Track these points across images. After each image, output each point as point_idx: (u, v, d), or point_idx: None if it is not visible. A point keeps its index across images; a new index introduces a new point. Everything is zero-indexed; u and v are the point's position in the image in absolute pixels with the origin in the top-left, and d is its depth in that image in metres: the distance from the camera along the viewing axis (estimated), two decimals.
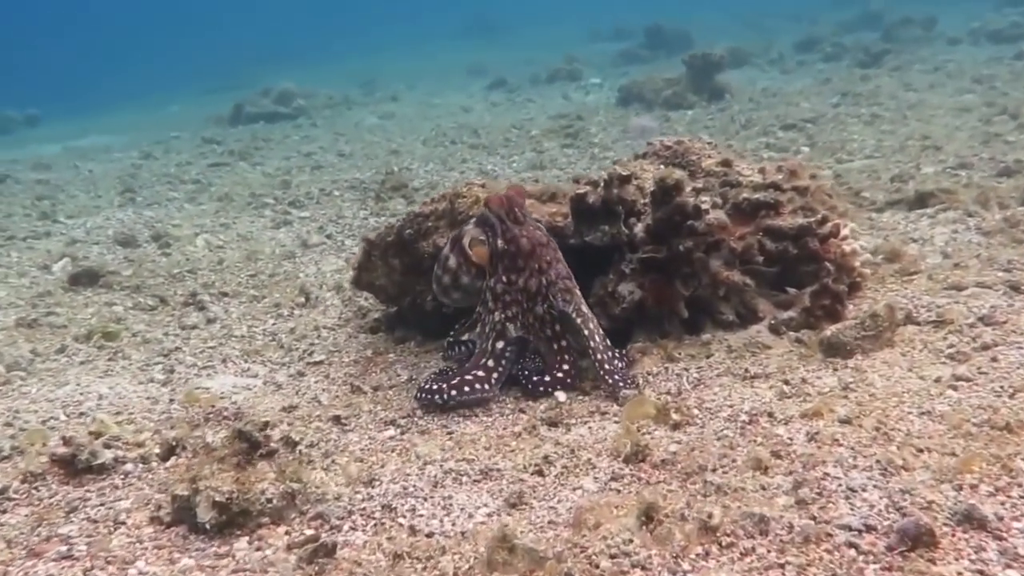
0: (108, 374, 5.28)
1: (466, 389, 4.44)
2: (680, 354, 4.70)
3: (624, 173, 4.87)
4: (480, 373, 4.54)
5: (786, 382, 4.22)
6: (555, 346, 4.64)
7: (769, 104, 14.10)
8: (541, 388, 4.52)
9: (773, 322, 4.80)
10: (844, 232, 5.01)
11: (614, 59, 23.43)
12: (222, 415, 4.36)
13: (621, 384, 4.40)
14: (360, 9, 53.82)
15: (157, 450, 3.99)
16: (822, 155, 10.00)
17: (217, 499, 3.34)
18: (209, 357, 5.55)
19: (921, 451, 3.41)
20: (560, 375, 4.55)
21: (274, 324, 6.20)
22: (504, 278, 4.65)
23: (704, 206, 4.65)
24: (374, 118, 17.88)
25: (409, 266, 5.30)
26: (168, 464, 3.94)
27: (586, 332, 4.52)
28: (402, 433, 4.21)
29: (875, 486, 3.19)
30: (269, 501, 3.41)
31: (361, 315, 6.07)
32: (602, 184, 4.89)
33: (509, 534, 3.04)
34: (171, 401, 4.79)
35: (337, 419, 4.34)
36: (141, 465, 3.94)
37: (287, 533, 3.36)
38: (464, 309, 4.99)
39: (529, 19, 38.71)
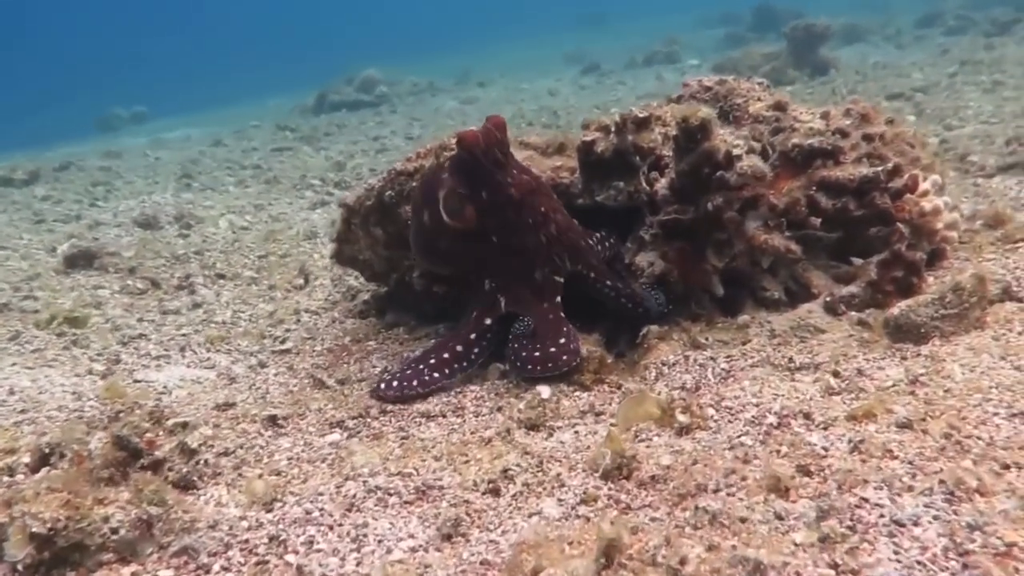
0: (47, 364, 4.56)
1: (425, 379, 3.59)
2: (708, 339, 3.73)
3: (641, 115, 3.91)
4: (446, 355, 3.70)
5: (836, 374, 3.23)
6: (551, 318, 3.73)
7: (877, 77, 12.80)
8: (530, 367, 3.61)
9: (830, 299, 3.78)
10: (924, 186, 3.95)
11: (718, 42, 22.10)
12: (135, 414, 3.55)
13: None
14: (475, 9, 53.36)
15: (27, 459, 3.18)
16: (929, 122, 8.77)
17: (36, 530, 2.48)
18: (171, 346, 4.80)
19: (1006, 468, 2.41)
20: (554, 350, 3.61)
21: (262, 309, 5.43)
22: (493, 237, 3.75)
23: (736, 151, 3.66)
24: (455, 103, 17.14)
25: (394, 236, 4.44)
26: (38, 476, 3.12)
27: (608, 291, 3.85)
28: (348, 437, 3.35)
29: (934, 518, 2.24)
30: (115, 531, 2.55)
31: (350, 296, 5.26)
32: (614, 129, 3.94)
33: None
34: (96, 397, 4.03)
35: (273, 420, 3.50)
36: (6, 478, 3.14)
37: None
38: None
39: (640, 10, 37.49)
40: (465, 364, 3.72)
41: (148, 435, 2.99)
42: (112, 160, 14.24)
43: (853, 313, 3.72)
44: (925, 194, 3.92)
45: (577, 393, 3.53)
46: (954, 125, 8.39)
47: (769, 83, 4.57)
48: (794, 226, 3.85)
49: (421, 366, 3.69)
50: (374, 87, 19.13)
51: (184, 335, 5.01)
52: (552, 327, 3.69)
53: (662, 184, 3.92)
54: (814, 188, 3.87)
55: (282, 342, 4.67)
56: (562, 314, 3.74)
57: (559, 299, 3.78)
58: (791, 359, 3.45)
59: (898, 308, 3.46)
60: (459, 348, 3.72)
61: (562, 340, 3.63)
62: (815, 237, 3.93)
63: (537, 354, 3.61)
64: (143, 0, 59.82)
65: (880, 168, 3.82)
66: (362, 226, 4.54)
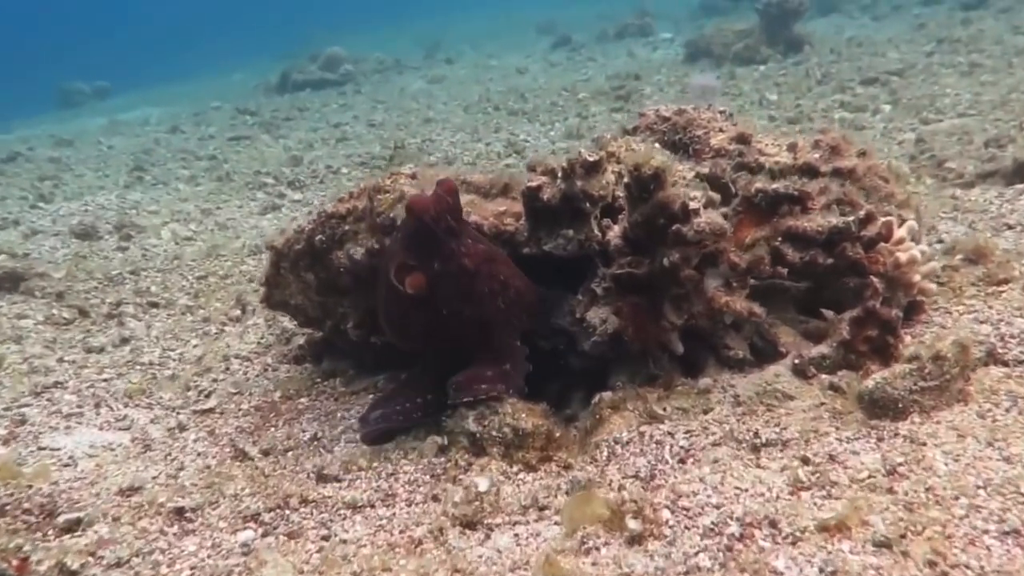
0: None
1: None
2: (666, 409, 3.39)
3: (591, 158, 3.53)
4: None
5: (806, 460, 2.90)
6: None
7: (852, 56, 12.42)
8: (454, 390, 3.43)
9: (799, 361, 3.44)
10: (899, 233, 3.61)
11: (693, 12, 21.59)
12: (21, 508, 3.17)
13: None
14: None
15: None
16: (905, 114, 8.44)
17: None
18: (87, 399, 4.42)
19: None
20: (490, 374, 3.44)
21: (194, 347, 5.05)
22: (443, 310, 3.44)
23: (693, 204, 3.30)
24: (422, 83, 16.64)
25: (325, 282, 4.07)
26: None
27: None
28: (262, 535, 3.00)
29: None
30: None
31: (285, 340, 4.88)
32: (560, 173, 3.58)
33: None
34: None
35: (180, 513, 3.14)
36: None
37: None
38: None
39: None
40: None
41: (20, 555, 2.62)
42: (63, 149, 13.72)
43: (824, 376, 3.38)
44: (901, 242, 3.58)
45: (521, 475, 3.20)
46: (931, 118, 8.06)
47: (731, 112, 4.20)
48: (756, 277, 3.51)
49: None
50: (339, 65, 18.59)
51: (106, 380, 4.64)
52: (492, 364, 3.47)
53: (615, 232, 3.56)
54: (780, 239, 3.52)
55: (207, 396, 4.31)
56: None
57: (517, 366, 3.50)
58: (756, 433, 3.13)
59: (873, 380, 3.12)
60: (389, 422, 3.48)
61: (495, 373, 3.46)
62: (781, 287, 3.60)
63: (462, 378, 3.43)
64: None
65: (852, 218, 3.47)
66: (292, 270, 4.17)
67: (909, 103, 8.86)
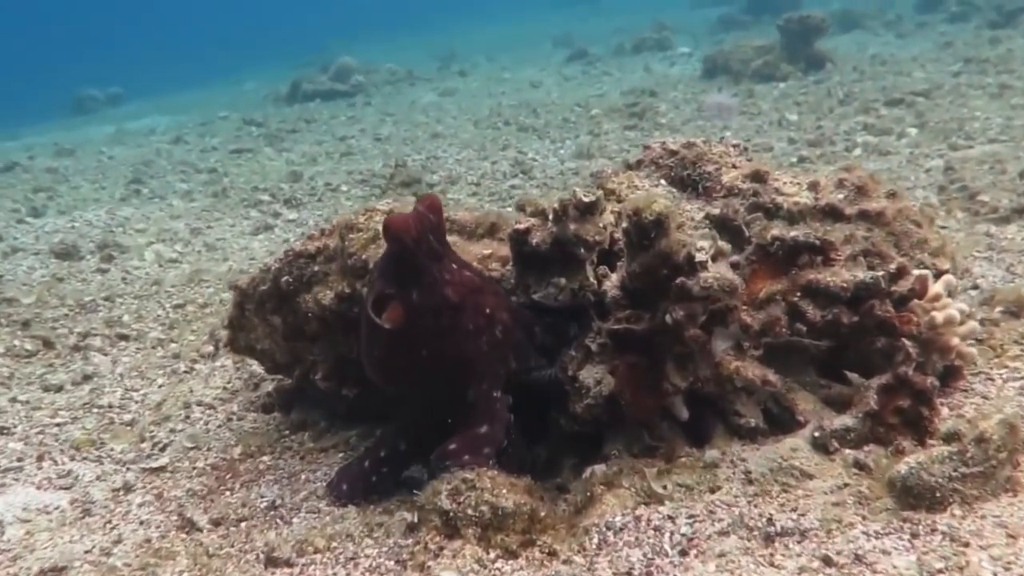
0: None
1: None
2: (667, 487, 2.97)
3: (587, 199, 3.12)
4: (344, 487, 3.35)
5: (828, 560, 2.48)
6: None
7: (876, 74, 11.97)
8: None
9: (819, 434, 3.01)
10: (935, 289, 3.18)
11: (712, 26, 21.14)
12: None
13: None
14: None
15: None
16: (933, 139, 7.99)
17: None
18: (30, 449, 4.02)
19: None
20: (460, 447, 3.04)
21: (160, 387, 4.66)
22: (424, 350, 3.03)
23: (700, 256, 2.89)
24: (433, 96, 16.23)
25: (293, 327, 3.68)
26: None
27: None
28: None
29: None
30: None
31: (252, 385, 4.47)
32: (551, 215, 3.17)
33: None
34: None
35: None
36: None
37: None
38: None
39: None
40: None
41: None
42: (63, 159, 13.37)
43: (848, 452, 2.96)
44: (937, 299, 3.15)
45: (499, 563, 2.78)
46: (960, 144, 7.61)
47: (746, 146, 3.79)
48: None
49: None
50: (350, 76, 18.22)
51: (58, 426, 4.25)
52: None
53: (612, 282, 3.16)
54: (799, 294, 3.10)
55: (162, 449, 3.91)
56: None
57: (496, 425, 3.08)
58: (770, 519, 2.72)
59: (907, 465, 2.70)
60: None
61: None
62: (800, 346, 3.18)
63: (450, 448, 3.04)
64: None
65: (881, 272, 3.05)
66: (257, 313, 3.79)
67: (936, 127, 8.41)
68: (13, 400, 4.60)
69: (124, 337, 5.44)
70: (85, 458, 3.90)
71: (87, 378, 4.86)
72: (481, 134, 11.55)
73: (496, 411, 3.12)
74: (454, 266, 3.07)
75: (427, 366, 3.06)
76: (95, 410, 4.44)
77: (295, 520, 3.23)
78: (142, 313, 5.88)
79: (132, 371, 4.94)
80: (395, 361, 3.10)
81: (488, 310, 3.09)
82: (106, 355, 5.19)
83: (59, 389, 4.74)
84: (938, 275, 3.26)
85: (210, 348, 5.06)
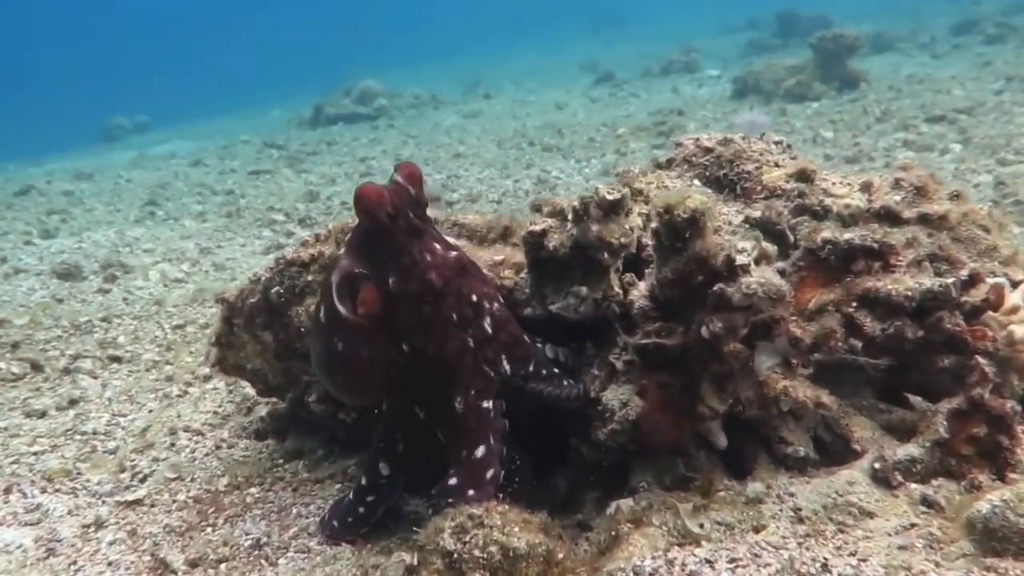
0: None
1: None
2: (704, 525, 2.58)
3: (611, 196, 2.75)
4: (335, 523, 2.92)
5: None
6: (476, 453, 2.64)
7: (913, 92, 11.55)
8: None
9: (880, 465, 2.61)
10: (1013, 299, 2.78)
11: (741, 50, 20.77)
12: None
13: None
14: (487, 8, 52.05)
15: None
16: (979, 155, 7.58)
17: None
18: (3, 478, 3.67)
19: None
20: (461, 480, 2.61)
21: (149, 412, 4.31)
22: (404, 345, 2.62)
23: (741, 259, 2.51)
24: (456, 118, 15.94)
25: (285, 344, 3.32)
26: None
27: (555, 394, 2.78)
28: None
29: None
30: None
31: (245, 409, 4.11)
32: (571, 215, 2.80)
33: None
34: None
35: None
36: None
37: None
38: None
39: (660, 12, 36.05)
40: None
41: None
42: (80, 183, 13.14)
43: (914, 487, 2.57)
44: (1015, 311, 2.75)
45: None
46: (1009, 159, 7.20)
47: (788, 143, 3.41)
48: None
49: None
50: (373, 99, 17.97)
51: (35, 454, 3.90)
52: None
53: (640, 291, 2.78)
54: (854, 304, 2.71)
55: (142, 480, 3.55)
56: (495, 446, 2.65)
57: (492, 440, 2.66)
58: (826, 564, 2.32)
59: (988, 503, 2.30)
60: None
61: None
62: (854, 364, 2.78)
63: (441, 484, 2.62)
64: (155, 8, 59.08)
65: (951, 280, 2.65)
66: (246, 328, 3.43)
67: (982, 143, 8.00)
68: None
69: (117, 359, 5.09)
70: (58, 490, 3.54)
71: (73, 403, 4.52)
72: (504, 154, 11.24)
73: (489, 423, 2.68)
74: (437, 245, 2.62)
75: (406, 368, 2.64)
76: (77, 437, 4.09)
77: (281, 561, 2.86)
78: (139, 334, 5.55)
79: (121, 395, 4.59)
80: (363, 363, 2.66)
81: (475, 297, 2.63)
82: (96, 378, 4.86)
83: (42, 414, 4.40)
84: (1014, 285, 2.86)
85: (206, 370, 4.71)
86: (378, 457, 2.81)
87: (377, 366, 2.66)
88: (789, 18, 21.59)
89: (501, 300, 2.77)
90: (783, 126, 10.43)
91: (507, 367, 2.70)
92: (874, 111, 10.47)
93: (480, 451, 2.63)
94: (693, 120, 11.68)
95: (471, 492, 2.57)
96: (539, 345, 2.91)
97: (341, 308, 2.60)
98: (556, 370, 2.84)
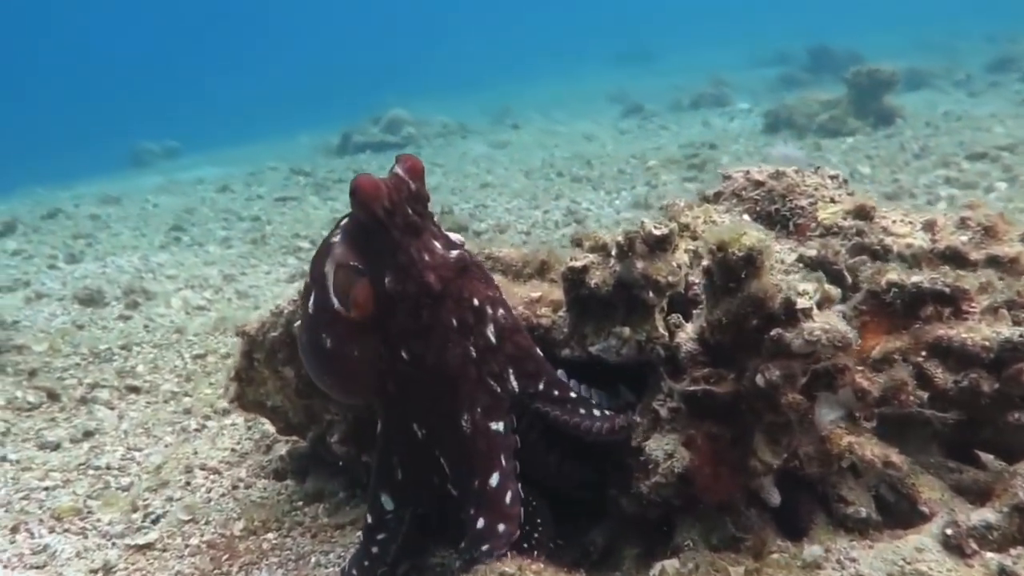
0: None
1: None
2: None
3: (657, 232, 2.56)
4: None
5: None
6: (489, 483, 2.42)
7: (951, 129, 11.33)
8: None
9: (952, 530, 2.39)
10: None
11: (772, 84, 20.59)
12: None
13: None
14: (514, 39, 52.18)
15: None
16: None
17: None
18: (11, 515, 3.49)
19: None
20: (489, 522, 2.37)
21: (166, 447, 4.13)
22: (402, 351, 2.41)
23: (802, 302, 2.30)
24: (484, 147, 15.81)
25: (307, 381, 3.12)
26: None
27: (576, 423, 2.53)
28: None
29: None
30: None
31: (264, 447, 3.92)
32: (615, 250, 2.61)
33: None
34: None
35: None
36: None
37: None
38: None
39: (689, 45, 35.98)
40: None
41: None
42: (107, 207, 13.06)
43: (990, 555, 2.33)
44: None
45: None
46: None
47: (845, 177, 3.21)
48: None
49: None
50: (401, 128, 17.92)
51: (46, 490, 3.73)
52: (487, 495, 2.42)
53: (688, 333, 2.58)
54: (924, 354, 2.50)
55: (154, 521, 3.36)
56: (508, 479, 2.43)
57: (504, 461, 2.44)
58: None
59: None
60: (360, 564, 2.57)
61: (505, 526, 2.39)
62: (920, 417, 2.56)
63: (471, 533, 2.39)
64: (187, 36, 59.70)
65: None
66: (267, 363, 3.25)
67: None
68: (3, 459, 4.10)
69: (135, 389, 4.93)
70: (67, 530, 3.36)
71: (88, 435, 4.35)
72: (533, 184, 11.08)
73: (500, 444, 2.45)
74: (436, 244, 2.41)
75: (404, 378, 2.43)
76: (91, 472, 3.92)
77: None
78: (158, 363, 5.39)
79: (138, 427, 4.42)
80: (352, 363, 2.44)
81: (476, 302, 2.42)
82: (112, 409, 4.69)
83: (56, 447, 4.23)
84: None
85: (224, 403, 4.54)
86: (378, 489, 2.59)
87: (367, 366, 2.44)
88: (821, 53, 21.44)
89: (509, 307, 2.57)
90: (818, 161, 10.20)
91: (515, 383, 2.49)
92: (912, 147, 10.26)
93: (495, 479, 2.41)
94: (726, 153, 11.50)
95: (501, 527, 2.35)
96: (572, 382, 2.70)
97: (335, 301, 2.40)
98: (573, 395, 2.62)
